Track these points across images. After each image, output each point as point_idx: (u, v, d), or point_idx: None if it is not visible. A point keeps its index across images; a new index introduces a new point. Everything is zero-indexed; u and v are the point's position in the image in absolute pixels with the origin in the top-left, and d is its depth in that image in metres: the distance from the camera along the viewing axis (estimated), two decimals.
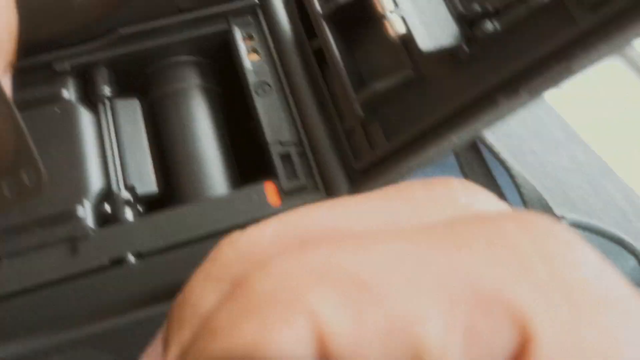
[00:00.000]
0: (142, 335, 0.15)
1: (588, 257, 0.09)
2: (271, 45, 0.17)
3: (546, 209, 0.25)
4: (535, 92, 0.13)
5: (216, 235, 0.14)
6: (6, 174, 0.13)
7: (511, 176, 0.23)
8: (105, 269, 0.14)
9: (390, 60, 0.15)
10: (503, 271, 0.09)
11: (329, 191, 0.15)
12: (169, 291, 0.14)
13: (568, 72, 0.12)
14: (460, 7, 0.13)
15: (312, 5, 0.16)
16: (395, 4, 0.13)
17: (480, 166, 0.22)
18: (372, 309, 0.08)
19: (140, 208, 0.16)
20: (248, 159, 0.18)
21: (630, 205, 0.41)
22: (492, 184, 0.22)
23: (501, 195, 0.25)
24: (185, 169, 0.17)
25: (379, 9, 0.13)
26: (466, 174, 0.21)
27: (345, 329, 0.08)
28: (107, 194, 0.16)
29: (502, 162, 0.23)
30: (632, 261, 0.28)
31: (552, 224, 0.09)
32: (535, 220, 0.09)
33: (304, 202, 0.15)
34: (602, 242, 0.27)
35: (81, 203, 0.15)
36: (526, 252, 0.09)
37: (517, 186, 0.24)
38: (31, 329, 0.13)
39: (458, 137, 0.13)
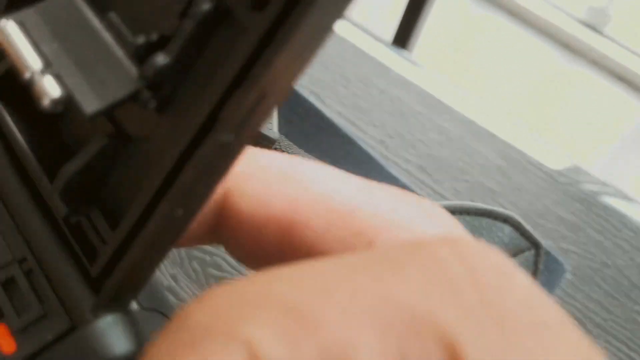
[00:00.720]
0: None
1: (519, 282, 0.10)
2: None
3: None
4: (242, 135, 0.10)
5: None
6: None
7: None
8: None
9: (85, 129, 0.12)
10: (434, 297, 0.09)
11: (71, 315, 0.11)
12: None
13: (262, 90, 0.09)
14: (130, 43, 0.10)
15: None
16: (47, 62, 0.10)
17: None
18: (306, 337, 0.08)
19: None
20: None
21: (506, 161, 0.40)
22: None
23: None
24: None
25: (24, 74, 0.10)
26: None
27: (281, 358, 0.08)
28: None
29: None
30: (507, 228, 0.27)
31: (485, 249, 0.10)
32: (470, 245, 0.10)
33: (47, 336, 0.11)
34: (470, 220, 0.26)
35: None
36: (458, 278, 0.09)
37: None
38: None
39: (182, 210, 0.10)
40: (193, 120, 0.10)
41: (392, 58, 0.45)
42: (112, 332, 0.11)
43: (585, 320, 0.34)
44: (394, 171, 0.37)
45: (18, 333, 0.11)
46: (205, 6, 0.09)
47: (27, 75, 0.10)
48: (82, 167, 0.11)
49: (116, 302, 0.11)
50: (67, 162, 0.11)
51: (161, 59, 0.10)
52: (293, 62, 0.09)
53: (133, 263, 0.11)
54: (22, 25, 0.11)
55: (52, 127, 0.12)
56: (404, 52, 0.49)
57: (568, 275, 0.33)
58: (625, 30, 1.50)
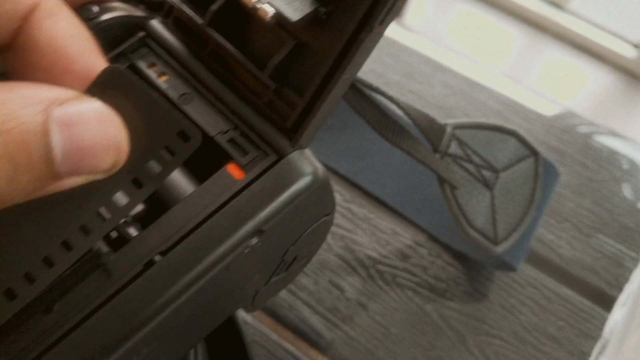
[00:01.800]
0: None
1: None
2: (173, 64, 0.20)
3: (432, 122, 0.31)
4: (382, 24, 0.17)
5: (209, 219, 0.17)
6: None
7: (397, 104, 0.28)
8: (137, 278, 0.16)
9: (273, 39, 0.19)
10: None
11: (278, 152, 0.18)
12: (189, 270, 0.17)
13: (398, 4, 0.17)
14: None
15: (192, 20, 0.20)
16: None
17: (368, 102, 0.27)
18: None
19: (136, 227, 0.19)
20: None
21: (503, 106, 0.48)
22: (381, 114, 0.27)
23: (391, 125, 0.30)
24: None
25: (249, 3, 0.18)
26: (357, 109, 0.26)
27: None
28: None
29: (385, 95, 0.28)
30: (513, 140, 0.34)
31: None
32: None
33: (263, 168, 0.18)
34: (484, 134, 0.33)
35: None
36: None
37: (403, 110, 0.29)
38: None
39: (349, 75, 0.18)
40: (351, 24, 0.17)
41: (395, 30, 0.53)
42: (301, 160, 0.18)
43: (578, 224, 0.42)
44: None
45: (245, 167, 0.18)
46: None
47: (249, 3, 0.17)
48: (281, 59, 0.18)
49: (300, 145, 0.19)
50: (269, 60, 0.18)
51: None
52: None
53: (313, 118, 0.18)
54: None
55: (247, 43, 0.19)
56: (399, 21, 0.56)
57: (561, 179, 0.41)
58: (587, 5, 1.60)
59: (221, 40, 0.19)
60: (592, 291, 0.40)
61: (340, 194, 0.44)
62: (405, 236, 0.42)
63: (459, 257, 0.41)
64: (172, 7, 0.21)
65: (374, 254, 0.42)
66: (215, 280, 0.17)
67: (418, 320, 0.39)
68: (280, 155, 0.18)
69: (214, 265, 0.17)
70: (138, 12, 0.21)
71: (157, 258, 0.17)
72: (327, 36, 0.18)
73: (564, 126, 0.47)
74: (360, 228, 0.43)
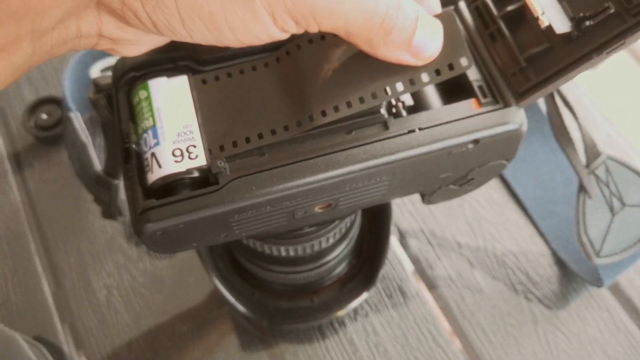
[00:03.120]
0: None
1: None
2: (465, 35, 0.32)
3: (594, 144, 0.40)
4: (607, 54, 0.27)
5: (452, 122, 0.28)
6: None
7: (576, 120, 0.38)
8: (404, 135, 0.28)
9: (535, 37, 0.29)
10: None
11: (505, 104, 0.29)
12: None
13: (622, 45, 0.27)
14: (569, 12, 0.28)
15: (491, 11, 0.31)
16: (542, 11, 0.28)
17: (555, 109, 0.37)
18: None
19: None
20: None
21: None
22: (562, 121, 0.37)
23: (566, 133, 0.40)
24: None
25: (535, 13, 0.29)
26: (549, 109, 0.36)
27: None
28: (390, 105, 0.29)
29: (570, 109, 0.37)
30: None
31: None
32: None
33: (492, 108, 0.29)
34: (627, 173, 0.42)
35: (381, 107, 0.28)
36: None
37: (579, 124, 0.39)
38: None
39: (570, 76, 0.28)
40: (589, 46, 0.27)
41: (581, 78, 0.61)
42: (517, 113, 0.29)
43: None
44: None
45: (482, 104, 0.30)
46: None
47: (535, 14, 0.28)
48: (537, 51, 0.29)
49: (520, 105, 0.29)
50: (528, 48, 0.29)
51: (584, 24, 0.28)
52: None
53: (537, 92, 0.29)
54: None
55: (517, 33, 0.30)
56: None
57: None
58: None
59: (503, 27, 0.30)
60: None
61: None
62: (525, 230, 0.52)
63: (560, 264, 0.50)
64: None
65: (494, 232, 0.52)
66: (439, 156, 0.29)
67: (507, 292, 0.49)
68: (506, 105, 0.29)
69: (445, 148, 0.28)
70: None
71: (417, 130, 0.29)
72: (569, 48, 0.28)
73: None
74: (493, 210, 0.53)
